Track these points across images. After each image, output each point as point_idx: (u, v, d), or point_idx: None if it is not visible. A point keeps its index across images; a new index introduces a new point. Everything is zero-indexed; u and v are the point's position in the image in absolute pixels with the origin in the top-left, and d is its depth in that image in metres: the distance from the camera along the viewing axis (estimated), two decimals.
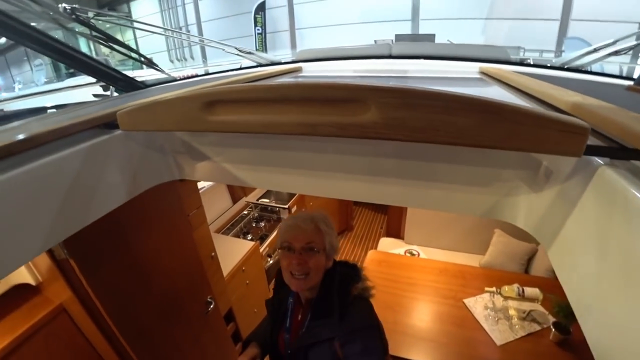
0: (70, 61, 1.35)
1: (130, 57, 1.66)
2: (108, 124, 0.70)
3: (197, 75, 2.01)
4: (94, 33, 1.57)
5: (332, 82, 0.47)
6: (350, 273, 1.15)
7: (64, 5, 1.49)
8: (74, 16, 1.49)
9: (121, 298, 1.31)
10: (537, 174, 0.57)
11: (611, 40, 1.55)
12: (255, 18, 9.53)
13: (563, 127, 0.41)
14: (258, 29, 9.57)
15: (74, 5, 1.50)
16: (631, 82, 1.01)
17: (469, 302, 2.18)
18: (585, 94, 0.69)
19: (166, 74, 1.85)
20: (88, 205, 0.72)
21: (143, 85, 1.57)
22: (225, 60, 2.06)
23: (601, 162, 0.45)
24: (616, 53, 1.54)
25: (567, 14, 7.29)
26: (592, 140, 0.50)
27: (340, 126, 0.47)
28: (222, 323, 2.06)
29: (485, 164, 0.61)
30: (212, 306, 1.85)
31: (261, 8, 9.44)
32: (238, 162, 0.79)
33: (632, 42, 1.56)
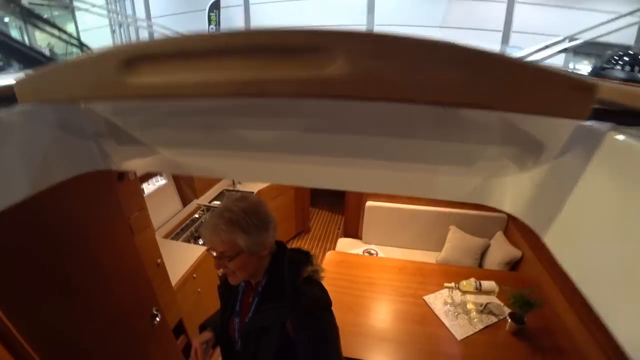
0: None
1: (62, 39, 1.45)
2: (3, 98, 0.56)
3: None
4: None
5: (286, 27, 0.37)
6: (301, 257, 1.10)
7: None
8: None
9: (49, 323, 1.09)
10: (527, 150, 0.51)
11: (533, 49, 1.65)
12: (209, 16, 9.16)
13: (569, 82, 0.36)
14: (212, 28, 9.21)
15: None
16: None
17: (429, 298, 2.19)
18: None
19: None
20: None
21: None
22: None
23: (604, 128, 0.40)
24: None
25: (508, 26, 8.14)
26: None
27: (298, 82, 0.38)
28: (171, 337, 1.87)
29: (465, 139, 0.54)
30: (158, 319, 1.66)
31: (215, 6, 9.08)
32: (172, 147, 0.66)
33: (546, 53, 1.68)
